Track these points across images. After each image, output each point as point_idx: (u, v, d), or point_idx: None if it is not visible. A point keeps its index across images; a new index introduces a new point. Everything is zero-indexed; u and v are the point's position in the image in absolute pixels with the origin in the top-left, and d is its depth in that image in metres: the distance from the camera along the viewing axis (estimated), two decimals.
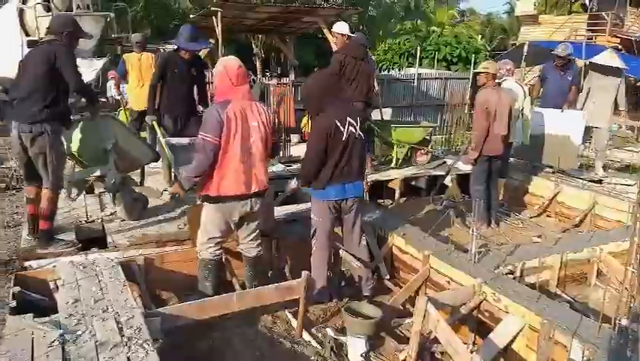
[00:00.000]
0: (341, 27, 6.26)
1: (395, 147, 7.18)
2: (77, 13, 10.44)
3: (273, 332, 3.87)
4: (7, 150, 7.40)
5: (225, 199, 3.69)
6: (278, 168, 7.02)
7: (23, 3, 10.96)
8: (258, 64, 17.19)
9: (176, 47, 5.55)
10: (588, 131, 7.15)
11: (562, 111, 6.86)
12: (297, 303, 3.81)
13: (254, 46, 17.96)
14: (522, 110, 6.34)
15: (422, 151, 7.40)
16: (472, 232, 4.32)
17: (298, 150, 8.21)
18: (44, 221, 4.12)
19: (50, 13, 10.23)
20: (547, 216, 6.53)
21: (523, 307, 3.44)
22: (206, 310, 3.53)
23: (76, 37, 4.23)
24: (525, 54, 11.72)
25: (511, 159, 7.55)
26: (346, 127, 3.95)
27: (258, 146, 3.70)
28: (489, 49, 20.25)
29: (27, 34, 10.56)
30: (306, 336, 3.83)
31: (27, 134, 3.92)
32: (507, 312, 3.56)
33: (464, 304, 3.80)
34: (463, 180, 6.37)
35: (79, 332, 2.91)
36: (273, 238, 4.64)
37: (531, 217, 6.38)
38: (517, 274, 4.19)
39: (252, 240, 4.00)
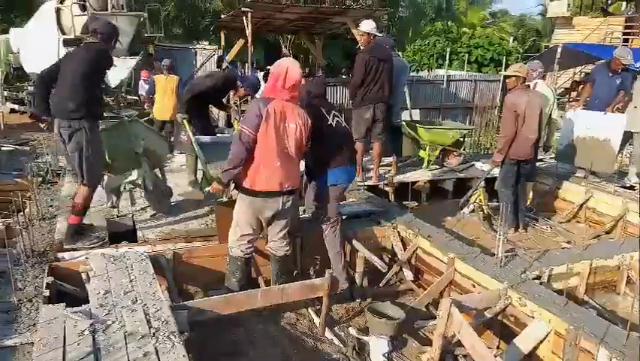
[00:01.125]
0: (366, 25, 6.23)
1: (427, 148, 7.14)
2: (112, 12, 10.70)
3: (296, 330, 3.91)
4: (43, 145, 7.65)
5: (258, 194, 3.74)
6: (303, 169, 7.04)
7: (60, 2, 11.30)
8: None
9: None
10: (629, 136, 6.94)
11: (604, 114, 6.66)
12: (321, 301, 3.84)
13: (282, 46, 18.11)
14: (550, 114, 6.23)
15: (455, 153, 7.32)
16: (499, 235, 4.28)
17: None
18: (75, 216, 4.23)
19: (86, 13, 10.54)
20: (577, 222, 6.40)
21: (549, 313, 3.39)
22: (232, 305, 3.59)
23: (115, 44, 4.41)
24: (558, 57, 11.50)
25: (542, 163, 7.45)
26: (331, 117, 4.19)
27: (293, 147, 3.74)
28: (521, 51, 19.89)
29: (63, 33, 10.90)
30: (328, 334, 3.86)
31: (66, 129, 4.06)
32: (533, 317, 3.52)
33: (489, 308, 3.76)
34: (490, 183, 6.30)
35: (109, 322, 3.00)
36: (297, 236, 4.68)
37: (560, 223, 6.26)
38: (545, 279, 4.13)
39: (281, 238, 4.05)
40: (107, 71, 4.25)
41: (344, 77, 17.09)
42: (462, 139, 7.15)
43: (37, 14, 12.55)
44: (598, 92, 6.93)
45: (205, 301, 3.57)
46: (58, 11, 11.09)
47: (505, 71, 12.86)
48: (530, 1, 78.52)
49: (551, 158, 7.82)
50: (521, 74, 5.36)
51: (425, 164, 7.19)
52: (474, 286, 4.09)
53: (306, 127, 3.79)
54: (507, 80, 5.55)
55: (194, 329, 3.43)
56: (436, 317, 3.79)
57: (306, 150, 3.94)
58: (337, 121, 4.25)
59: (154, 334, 2.90)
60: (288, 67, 3.68)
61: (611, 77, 6.83)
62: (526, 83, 5.59)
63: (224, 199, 4.44)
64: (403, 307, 4.04)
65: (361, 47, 6.28)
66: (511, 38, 19.95)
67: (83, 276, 3.76)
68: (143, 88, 10.43)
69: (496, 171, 5.90)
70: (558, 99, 7.51)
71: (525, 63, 7.09)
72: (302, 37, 14.97)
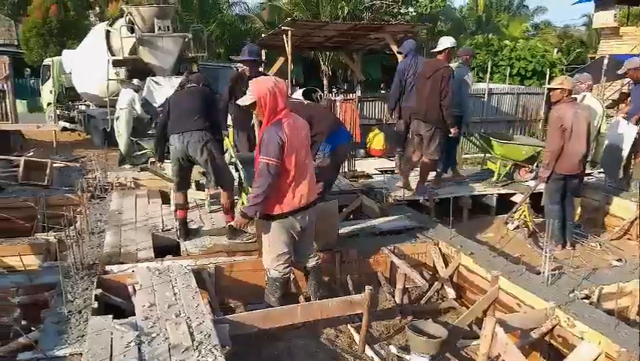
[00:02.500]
0: (448, 41, 6.39)
1: (498, 162, 7.08)
2: (158, 34, 11.10)
3: (335, 346, 3.89)
4: (93, 162, 7.97)
5: (287, 215, 3.76)
6: (342, 183, 7.07)
7: (110, 25, 11.82)
8: (325, 80, 17.48)
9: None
10: None
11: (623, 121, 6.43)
12: (360, 317, 3.81)
13: (321, 62, 18.31)
14: (599, 127, 6.03)
15: (527, 169, 7.19)
16: (546, 253, 4.15)
17: (363, 164, 8.25)
18: (229, 216, 4.83)
19: (134, 35, 10.96)
20: (628, 239, 6.11)
21: (599, 334, 3.26)
22: (272, 321, 3.62)
23: None
24: (605, 68, 11.13)
25: (591, 178, 7.19)
26: None
27: (306, 156, 3.79)
28: (565, 63, 19.43)
29: (112, 54, 11.37)
30: (368, 352, 3.82)
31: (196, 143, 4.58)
32: (582, 338, 3.38)
33: (535, 328, 3.65)
34: (536, 198, 6.13)
35: (153, 335, 3.08)
36: (336, 251, 4.68)
37: (610, 240, 6.00)
38: (594, 299, 3.97)
39: (309, 250, 4.07)
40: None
41: (382, 91, 17.11)
42: (536, 155, 7.01)
43: (88, 37, 13.18)
44: (634, 103, 6.71)
45: (246, 316, 3.61)
46: (107, 34, 11.59)
47: (548, 83, 12.58)
48: (575, 12, 76.58)
49: (600, 173, 7.55)
50: (566, 87, 5.21)
51: (495, 177, 7.16)
52: (519, 306, 3.98)
53: (306, 125, 3.88)
54: (551, 93, 5.40)
55: (236, 342, 3.46)
56: (479, 337, 3.70)
57: (342, 160, 4.01)
58: None
59: (197, 347, 2.95)
60: (274, 85, 3.64)
61: (637, 88, 6.62)
62: (573, 96, 5.43)
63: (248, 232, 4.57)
64: (445, 326, 3.96)
65: (445, 63, 6.31)
66: (555, 50, 19.47)
67: (130, 289, 3.88)
68: None
69: (541, 187, 5.75)
70: (606, 112, 7.27)
71: (571, 75, 6.93)
72: (340, 53, 15.10)
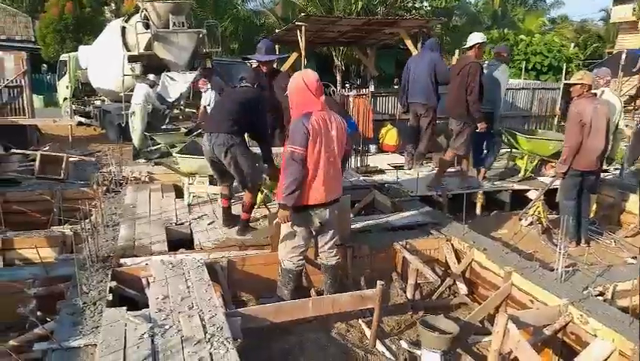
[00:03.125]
0: (479, 37, 6.41)
1: (525, 158, 7.07)
2: (173, 30, 11.15)
3: (346, 340, 3.90)
4: (108, 156, 8.06)
5: (309, 208, 3.78)
6: (355, 178, 7.07)
7: (125, 21, 11.90)
8: (338, 76, 17.44)
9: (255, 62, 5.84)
10: None
11: None
12: (372, 312, 3.82)
13: (335, 58, 18.26)
14: (617, 123, 5.94)
15: (552, 164, 7.14)
16: (560, 249, 4.11)
17: (375, 160, 8.23)
18: (244, 213, 4.86)
19: (149, 31, 11.03)
20: None
21: (613, 331, 3.22)
22: (283, 314, 3.64)
23: None
24: (623, 63, 10.94)
25: (607, 174, 7.10)
26: None
27: (337, 154, 3.79)
28: (582, 57, 19.13)
29: (127, 50, 11.45)
30: (379, 346, 3.82)
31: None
32: (595, 335, 3.35)
33: (548, 324, 3.62)
34: (550, 195, 6.06)
35: (167, 327, 3.11)
36: (348, 246, 4.69)
37: (625, 237, 5.92)
38: (608, 296, 3.92)
39: (330, 248, 4.07)
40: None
41: (396, 87, 17.01)
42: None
43: (104, 33, 13.29)
44: None
45: (258, 309, 3.64)
46: (123, 29, 11.67)
47: (565, 78, 12.39)
48: (592, 6, 75.28)
49: (616, 169, 7.45)
50: (586, 82, 5.13)
51: (522, 173, 7.17)
52: (532, 302, 3.95)
53: (343, 128, 3.84)
54: (571, 88, 5.32)
55: (247, 335, 3.49)
56: (491, 333, 3.68)
57: (347, 150, 3.98)
58: None
59: (209, 339, 2.98)
60: (302, 77, 3.73)
61: None
62: (593, 91, 5.35)
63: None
64: (457, 322, 3.94)
65: (475, 59, 6.32)
66: (572, 45, 19.16)
67: (144, 281, 3.93)
68: (204, 98, 10.76)
69: (556, 183, 5.68)
70: (624, 107, 7.15)
71: (589, 70, 6.83)
72: (354, 48, 15.04)
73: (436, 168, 6.99)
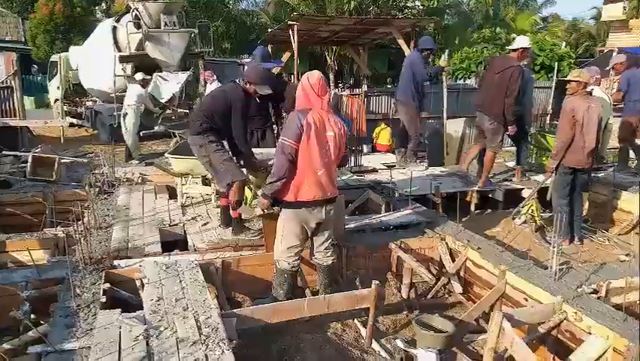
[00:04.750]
0: (524, 41, 6.50)
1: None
2: (164, 30, 11.11)
3: (342, 340, 3.91)
4: (100, 157, 8.01)
5: (302, 205, 3.78)
6: (348, 177, 7.07)
7: (116, 21, 11.84)
8: (331, 75, 17.43)
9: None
10: None
11: None
12: (367, 312, 3.82)
13: (327, 57, 18.26)
14: (607, 122, 5.99)
15: None
16: (553, 247, 4.13)
17: (369, 159, 8.24)
18: (232, 211, 4.76)
19: (140, 31, 10.98)
20: (637, 233, 6.06)
21: (607, 329, 3.24)
22: (279, 315, 3.63)
23: None
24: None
25: (600, 172, 7.15)
26: None
27: (332, 155, 3.79)
28: (574, 56, 19.24)
29: (119, 50, 11.40)
30: (375, 346, 3.83)
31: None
32: (589, 333, 3.37)
33: (542, 322, 3.64)
34: (544, 193, 6.10)
35: (161, 328, 3.10)
36: (342, 246, 4.69)
37: (618, 235, 5.96)
38: (602, 294, 3.95)
39: (326, 248, 4.06)
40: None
41: (389, 86, 17.04)
42: None
43: (95, 33, 13.21)
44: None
45: (253, 310, 3.63)
46: (114, 29, 11.62)
47: (557, 77, 12.46)
48: (583, 5, 75.78)
49: (609, 167, 7.51)
50: (582, 80, 5.20)
51: None
52: (526, 300, 3.97)
53: (343, 132, 3.85)
54: (567, 86, 5.39)
55: (242, 336, 3.48)
56: (486, 331, 3.70)
57: (345, 154, 3.98)
58: None
59: (204, 341, 2.96)
60: (307, 77, 3.80)
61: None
62: (588, 89, 5.41)
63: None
64: (452, 321, 3.96)
65: (517, 63, 6.35)
66: (563, 43, 19.28)
67: (137, 283, 3.90)
68: (209, 90, 10.77)
69: (549, 181, 5.72)
70: (614, 106, 7.23)
71: (580, 68, 6.91)
72: (347, 48, 15.06)
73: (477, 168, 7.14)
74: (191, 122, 4.76)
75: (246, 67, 5.99)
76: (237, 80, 4.72)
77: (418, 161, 7.81)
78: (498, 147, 6.59)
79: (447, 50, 7.36)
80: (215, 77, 10.60)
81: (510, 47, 6.66)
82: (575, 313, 3.52)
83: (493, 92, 6.35)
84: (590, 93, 5.53)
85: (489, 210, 6.74)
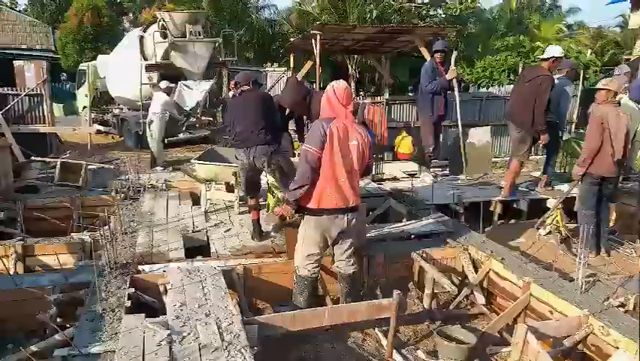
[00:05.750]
0: (557, 50, 6.46)
1: None
2: (190, 39, 11.29)
3: (362, 350, 3.89)
4: (126, 164, 8.16)
5: (324, 212, 3.80)
6: (370, 186, 7.05)
7: (143, 31, 12.09)
8: (352, 83, 17.45)
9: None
10: None
11: None
12: (388, 322, 3.80)
13: (349, 66, 18.29)
14: (636, 131, 5.87)
15: None
16: (579, 259, 4.05)
17: (390, 168, 8.21)
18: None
19: (166, 40, 11.18)
20: None
21: (635, 343, 3.16)
22: (299, 323, 3.63)
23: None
24: None
25: (627, 182, 7.00)
26: None
27: (356, 164, 3.80)
28: (599, 64, 18.90)
29: (145, 59, 11.61)
30: (396, 357, 3.79)
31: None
32: (617, 348, 3.29)
33: (568, 336, 3.56)
34: (569, 203, 5.99)
35: (184, 334, 3.13)
36: (364, 255, 4.67)
37: None
38: (630, 307, 3.86)
39: (348, 257, 4.06)
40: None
41: (410, 94, 16.98)
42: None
43: (122, 42, 13.51)
44: None
45: (274, 317, 3.64)
46: (141, 39, 11.86)
47: (582, 85, 12.24)
48: (609, 12, 74.50)
49: (638, 177, 7.34)
50: (612, 88, 5.15)
51: None
52: (551, 313, 3.90)
53: (367, 142, 3.86)
54: (596, 94, 5.33)
55: (263, 343, 3.49)
56: (509, 344, 3.64)
57: (368, 164, 3.98)
58: None
59: (226, 347, 2.98)
60: (333, 87, 3.84)
61: None
62: (618, 98, 5.35)
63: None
64: (474, 332, 3.91)
65: (549, 71, 6.34)
66: (589, 51, 18.96)
67: (161, 288, 3.96)
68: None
69: (575, 191, 5.62)
70: None
71: (607, 77, 6.81)
72: (368, 56, 15.08)
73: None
74: (257, 132, 4.81)
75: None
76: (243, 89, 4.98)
77: (430, 170, 7.76)
78: (524, 157, 6.51)
79: (452, 58, 7.25)
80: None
81: (541, 57, 6.61)
82: (602, 327, 3.44)
83: (522, 101, 6.31)
84: (619, 102, 5.46)
85: (512, 221, 6.64)
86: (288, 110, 5.72)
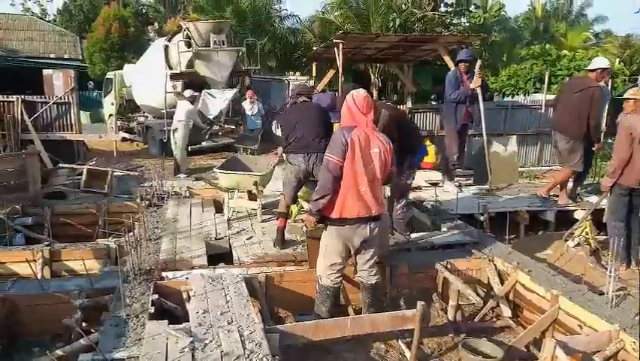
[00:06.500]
0: (603, 62, 6.56)
1: None
2: (214, 48, 11.43)
3: None
4: (151, 171, 8.27)
5: (346, 222, 3.77)
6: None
7: (168, 40, 12.28)
8: (374, 92, 17.41)
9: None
10: None
11: None
12: (411, 333, 3.73)
13: (371, 74, 18.27)
14: None
15: None
16: (610, 272, 3.94)
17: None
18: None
19: (191, 49, 11.34)
20: None
21: None
22: (321, 332, 3.60)
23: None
24: None
25: None
26: None
27: (378, 172, 3.77)
28: (628, 73, 18.50)
29: (170, 68, 11.79)
30: None
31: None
32: None
33: (598, 351, 3.45)
34: (598, 215, 5.84)
35: (206, 341, 3.13)
36: (386, 265, 4.62)
37: None
38: None
39: (370, 267, 4.02)
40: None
41: (433, 103, 16.86)
42: None
43: (148, 51, 13.75)
44: None
45: (296, 326, 3.62)
46: (166, 48, 12.05)
47: (611, 94, 11.99)
48: (638, 21, 73.01)
49: None
50: None
51: None
52: (580, 327, 3.79)
53: (389, 150, 3.83)
54: (624, 104, 5.22)
55: (285, 352, 3.47)
56: (537, 358, 3.55)
57: (391, 171, 3.94)
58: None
59: (248, 356, 2.98)
60: (353, 95, 3.83)
61: None
62: None
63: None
64: (501, 346, 3.82)
65: (596, 83, 6.37)
66: (617, 60, 18.56)
67: (184, 295, 3.97)
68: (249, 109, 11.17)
69: (604, 203, 5.48)
70: None
71: (634, 86, 6.67)
72: (391, 64, 15.05)
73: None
74: (313, 140, 4.92)
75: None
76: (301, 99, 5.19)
77: (454, 180, 7.67)
78: (578, 166, 6.51)
79: (476, 67, 7.15)
80: (255, 98, 11.05)
81: (588, 68, 6.64)
82: (634, 342, 3.33)
83: (571, 112, 6.35)
84: None
85: (540, 232, 6.50)
86: None
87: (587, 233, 5.69)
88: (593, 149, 6.59)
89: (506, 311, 4.48)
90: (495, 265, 4.81)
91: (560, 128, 6.54)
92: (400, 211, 5.16)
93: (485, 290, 4.79)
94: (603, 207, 5.62)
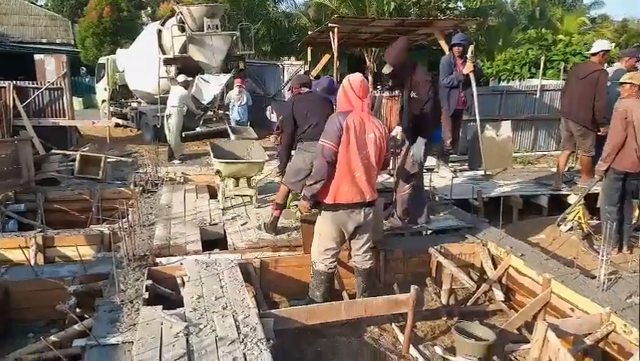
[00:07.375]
0: (606, 44, 6.48)
1: None
2: (207, 33, 11.31)
3: (379, 345, 3.86)
4: (145, 157, 8.23)
5: (340, 207, 3.77)
6: (386, 179, 6.99)
7: (161, 25, 12.14)
8: (370, 76, 17.32)
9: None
10: None
11: None
12: (405, 317, 3.77)
13: (366, 59, 18.16)
14: None
15: None
16: (601, 256, 3.97)
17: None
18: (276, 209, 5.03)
19: (184, 34, 11.22)
20: None
21: None
22: (316, 316, 3.63)
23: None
24: None
25: None
26: None
27: (373, 157, 3.76)
28: None
29: (163, 52, 11.67)
30: (413, 352, 3.77)
31: None
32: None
33: (589, 334, 3.50)
34: (591, 199, 5.87)
35: (201, 326, 3.14)
36: (380, 250, 4.64)
37: None
38: None
39: (364, 252, 4.03)
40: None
41: None
42: None
43: (141, 36, 13.59)
44: None
45: (290, 311, 3.64)
46: (159, 33, 11.90)
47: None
48: (634, 5, 72.73)
49: None
50: (636, 82, 5.01)
51: None
52: (572, 310, 3.83)
53: (384, 135, 3.82)
54: (621, 88, 5.20)
55: (279, 337, 3.49)
56: (529, 341, 3.59)
57: (386, 157, 3.93)
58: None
59: (242, 340, 2.99)
60: (348, 80, 3.81)
61: None
62: None
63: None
64: (493, 329, 3.86)
65: (600, 67, 6.34)
66: (613, 45, 18.53)
67: (178, 280, 3.98)
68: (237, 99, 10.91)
69: (597, 187, 5.50)
70: None
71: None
72: (387, 49, 14.97)
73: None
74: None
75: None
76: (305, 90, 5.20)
77: (449, 165, 7.67)
78: (591, 150, 6.48)
79: (469, 52, 7.11)
80: (244, 87, 10.83)
81: (590, 52, 6.60)
82: (624, 325, 3.38)
83: (579, 98, 6.33)
84: None
85: (533, 217, 6.53)
86: None
87: (579, 218, 5.72)
88: (599, 133, 6.49)
89: (499, 295, 4.52)
90: (488, 249, 4.84)
91: (571, 115, 6.53)
92: (404, 192, 5.06)
93: (478, 274, 4.82)
94: (596, 191, 5.65)
